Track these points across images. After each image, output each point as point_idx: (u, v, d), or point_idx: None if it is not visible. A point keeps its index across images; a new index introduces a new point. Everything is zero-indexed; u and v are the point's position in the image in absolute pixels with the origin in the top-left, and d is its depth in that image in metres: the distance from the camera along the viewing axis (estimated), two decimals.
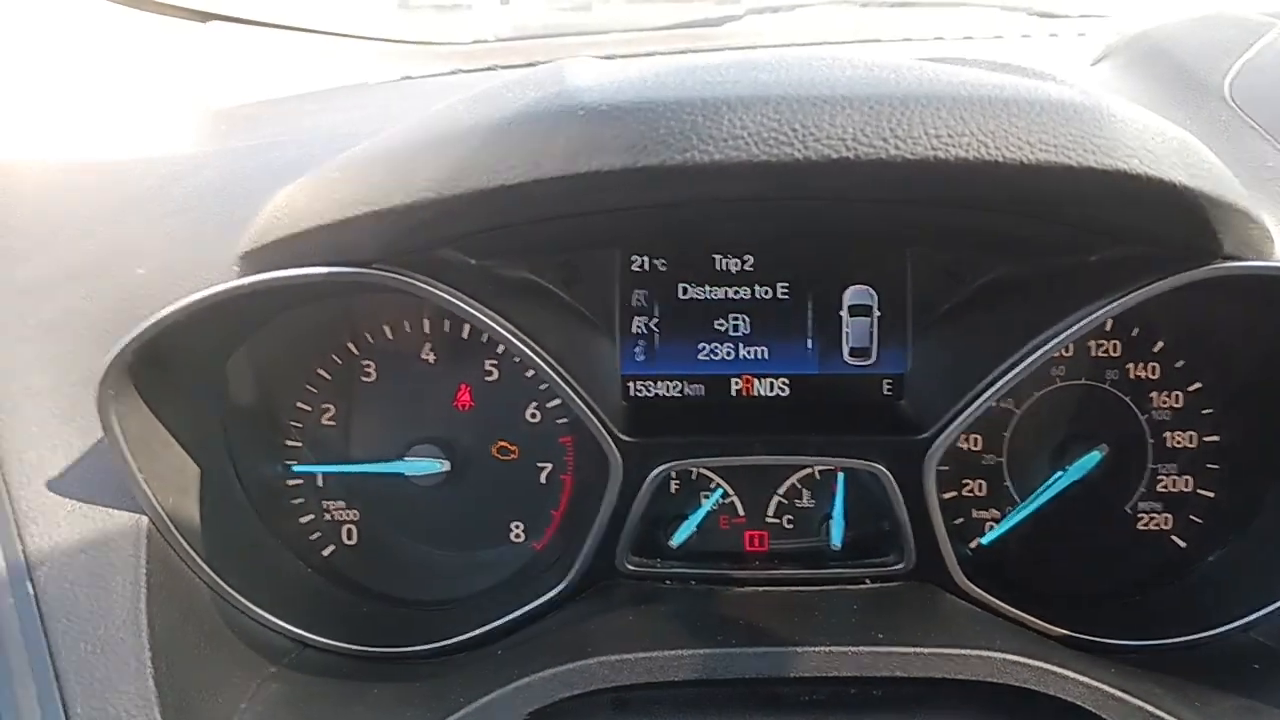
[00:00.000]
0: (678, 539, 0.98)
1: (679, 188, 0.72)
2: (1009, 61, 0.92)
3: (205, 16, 1.34)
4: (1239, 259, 0.81)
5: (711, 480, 1.00)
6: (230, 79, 1.30)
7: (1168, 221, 0.78)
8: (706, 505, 0.98)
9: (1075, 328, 0.85)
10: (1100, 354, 1.01)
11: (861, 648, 0.82)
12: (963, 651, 0.82)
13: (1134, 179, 0.70)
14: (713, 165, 0.67)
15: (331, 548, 1.02)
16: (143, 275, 0.88)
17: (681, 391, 1.00)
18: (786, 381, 1.00)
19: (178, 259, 0.89)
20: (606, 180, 0.68)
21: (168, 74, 1.28)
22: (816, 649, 0.82)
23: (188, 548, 0.83)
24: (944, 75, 0.73)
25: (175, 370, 0.85)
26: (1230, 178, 0.80)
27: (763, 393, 1.00)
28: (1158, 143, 0.72)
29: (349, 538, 1.02)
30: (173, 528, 0.82)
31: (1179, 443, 1.01)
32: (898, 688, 0.82)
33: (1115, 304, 0.83)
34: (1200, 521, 1.01)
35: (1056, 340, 0.86)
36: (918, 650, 0.82)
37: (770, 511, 1.01)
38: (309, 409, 1.00)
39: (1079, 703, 0.80)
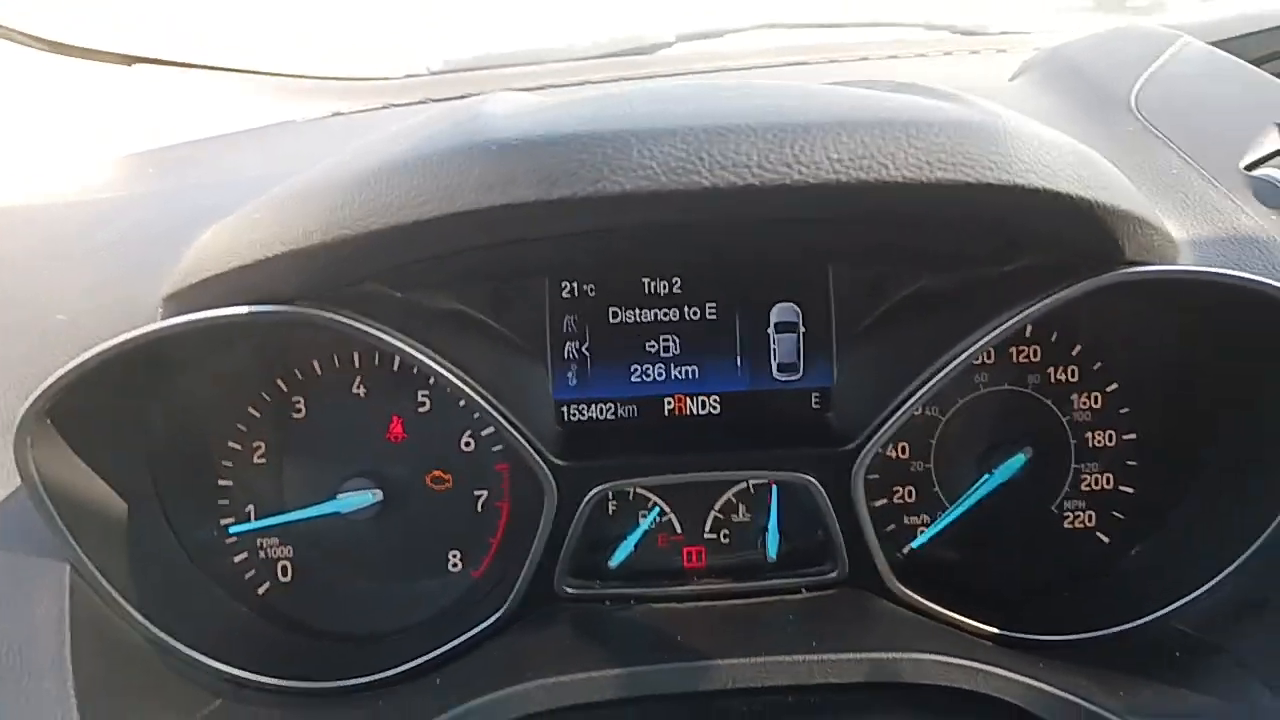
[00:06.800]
0: (616, 559, 0.98)
1: (592, 217, 0.73)
2: (915, 83, 0.95)
3: (130, 60, 1.33)
4: (1142, 264, 0.84)
5: (648, 499, 1.01)
6: (157, 121, 1.29)
7: (1069, 231, 0.81)
8: (644, 524, 0.99)
9: (988, 337, 0.87)
10: (1021, 359, 1.04)
11: (797, 656, 0.83)
12: (894, 655, 0.84)
13: (1031, 193, 0.73)
14: (623, 195, 0.68)
15: (266, 585, 1.00)
16: (63, 321, 0.87)
17: (615, 413, 1.01)
18: (718, 399, 1.02)
19: (101, 302, 0.88)
20: (520, 212, 0.70)
21: (92, 117, 1.27)
22: (753, 660, 0.83)
23: (114, 594, 0.82)
24: (847, 100, 0.76)
25: (98, 413, 0.85)
26: (1128, 187, 0.84)
27: (695, 411, 1.02)
28: (1053, 156, 0.76)
29: (284, 574, 1.01)
30: (98, 574, 0.81)
31: (1099, 442, 1.05)
32: (833, 694, 0.83)
33: (1027, 312, 0.86)
34: (1122, 517, 1.05)
35: (970, 350, 0.88)
36: (852, 656, 0.84)
37: (707, 527, 1.02)
38: (239, 448, 0.99)
39: (1006, 698, 0.82)
